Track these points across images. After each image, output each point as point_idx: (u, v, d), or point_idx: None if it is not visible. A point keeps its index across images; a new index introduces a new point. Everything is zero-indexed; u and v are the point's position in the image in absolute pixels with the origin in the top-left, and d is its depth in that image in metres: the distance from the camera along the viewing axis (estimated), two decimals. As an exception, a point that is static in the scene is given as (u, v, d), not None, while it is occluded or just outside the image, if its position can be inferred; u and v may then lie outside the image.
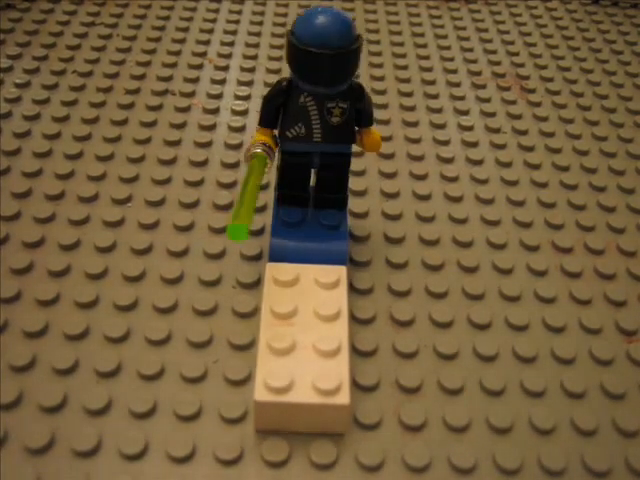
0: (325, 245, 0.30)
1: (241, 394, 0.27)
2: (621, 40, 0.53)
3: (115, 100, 0.42)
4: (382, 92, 0.45)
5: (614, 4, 0.58)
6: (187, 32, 0.50)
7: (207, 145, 0.40)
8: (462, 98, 0.45)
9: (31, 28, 0.48)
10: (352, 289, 0.31)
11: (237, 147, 0.40)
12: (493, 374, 0.28)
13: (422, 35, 0.52)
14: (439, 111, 0.44)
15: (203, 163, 0.38)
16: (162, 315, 0.30)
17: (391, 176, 0.38)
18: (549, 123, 0.44)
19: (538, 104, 0.45)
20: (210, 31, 0.50)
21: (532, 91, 0.47)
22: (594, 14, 0.57)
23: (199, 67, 0.47)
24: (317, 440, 0.25)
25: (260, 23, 0.52)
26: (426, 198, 0.37)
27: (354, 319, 0.30)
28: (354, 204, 0.35)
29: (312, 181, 0.31)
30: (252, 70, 0.47)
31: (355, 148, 0.30)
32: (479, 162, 0.40)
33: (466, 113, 0.44)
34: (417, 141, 0.41)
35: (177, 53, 0.48)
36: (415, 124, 0.43)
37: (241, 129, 0.41)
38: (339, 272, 0.29)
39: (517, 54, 0.51)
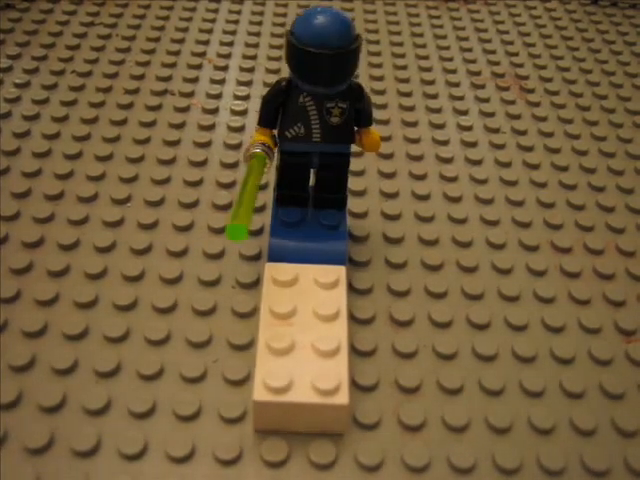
0: (324, 245, 0.30)
1: (240, 394, 0.27)
2: (620, 40, 0.53)
3: (114, 100, 0.42)
4: (381, 92, 0.45)
5: (613, 4, 0.58)
6: (186, 32, 0.50)
7: (206, 145, 0.40)
8: (461, 98, 0.45)
9: (30, 28, 0.48)
10: (351, 289, 0.31)
11: (236, 147, 0.40)
12: (492, 374, 0.28)
13: (421, 35, 0.52)
14: (438, 111, 0.44)
15: (202, 163, 0.38)
16: (161, 315, 0.30)
17: (390, 176, 0.38)
18: (548, 123, 0.44)
19: (537, 104, 0.45)
20: (209, 31, 0.50)
21: (531, 91, 0.47)
22: (593, 14, 0.57)
23: (198, 67, 0.47)
24: (316, 440, 0.25)
25: (259, 23, 0.52)
26: (425, 198, 0.37)
27: (353, 319, 0.30)
28: (353, 204, 0.35)
29: (311, 181, 0.31)
30: (251, 70, 0.47)
31: (354, 148, 0.30)
32: (478, 162, 0.40)
33: (465, 113, 0.44)
34: (416, 141, 0.41)
35: (176, 53, 0.48)
36: (414, 124, 0.43)
37: (240, 129, 0.41)
38: (338, 272, 0.29)
39: (516, 54, 0.51)
